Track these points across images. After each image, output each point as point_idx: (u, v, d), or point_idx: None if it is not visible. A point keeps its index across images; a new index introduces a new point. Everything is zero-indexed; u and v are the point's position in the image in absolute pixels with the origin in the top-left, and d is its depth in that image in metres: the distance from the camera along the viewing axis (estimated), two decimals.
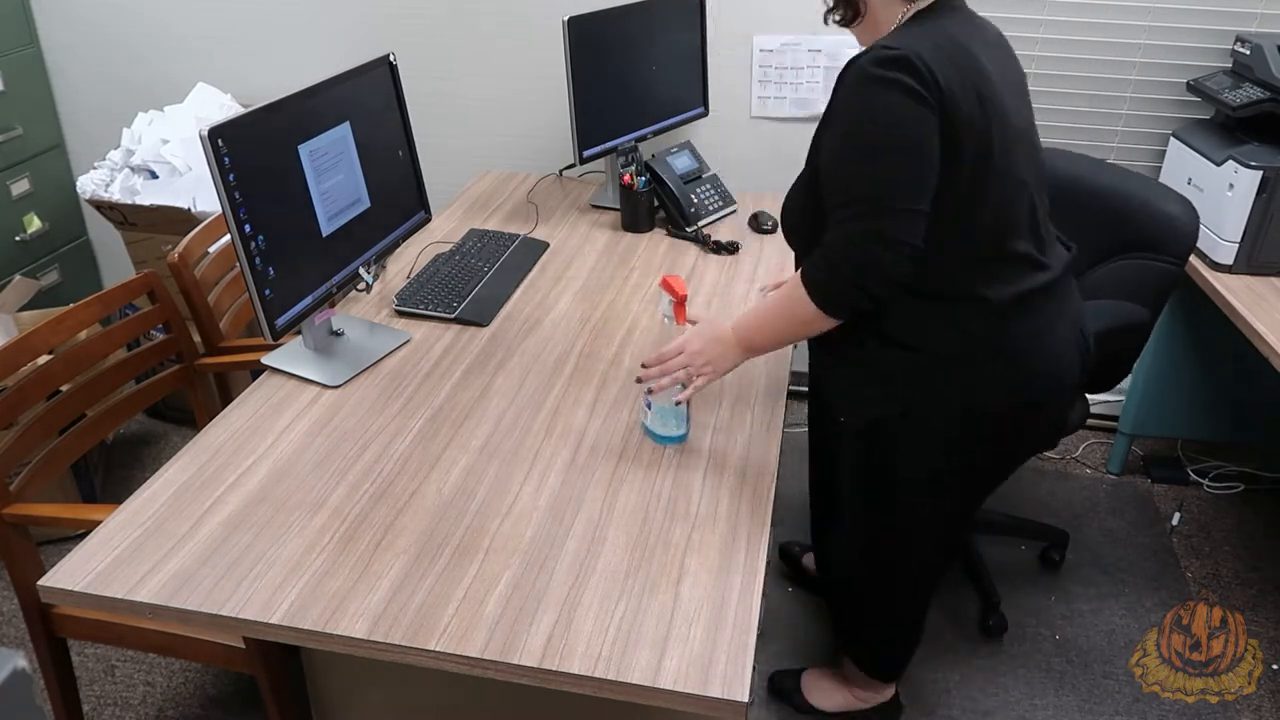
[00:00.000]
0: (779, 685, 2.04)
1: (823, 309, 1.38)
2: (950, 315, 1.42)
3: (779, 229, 1.93)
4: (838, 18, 1.47)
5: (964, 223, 1.36)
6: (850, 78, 1.33)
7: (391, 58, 1.87)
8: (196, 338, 2.06)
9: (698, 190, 2.35)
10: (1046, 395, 1.50)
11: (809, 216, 1.45)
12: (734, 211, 2.41)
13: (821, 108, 2.63)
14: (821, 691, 1.99)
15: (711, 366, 1.49)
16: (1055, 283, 1.47)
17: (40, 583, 1.24)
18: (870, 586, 1.77)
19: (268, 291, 1.56)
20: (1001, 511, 2.45)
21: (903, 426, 1.51)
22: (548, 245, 2.22)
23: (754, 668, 1.14)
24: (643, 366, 1.52)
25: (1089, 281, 2.06)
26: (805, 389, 3.03)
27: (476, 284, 1.98)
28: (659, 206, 2.31)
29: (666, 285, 1.44)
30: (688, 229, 2.25)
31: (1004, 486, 1.71)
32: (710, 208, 2.35)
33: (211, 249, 2.12)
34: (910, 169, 1.30)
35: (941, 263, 1.37)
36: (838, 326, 1.41)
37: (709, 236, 2.23)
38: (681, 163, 2.38)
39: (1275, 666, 2.16)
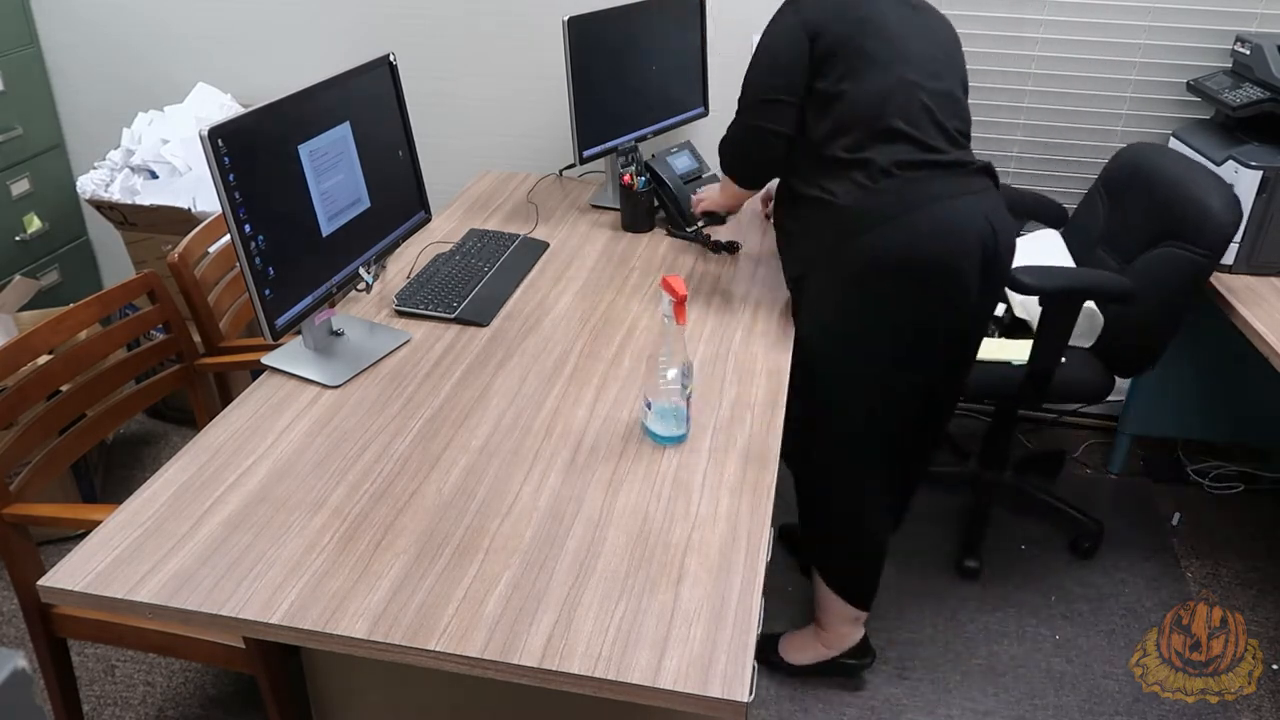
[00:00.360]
0: (759, 649, 2.09)
1: (737, 184, 1.98)
2: (844, 175, 1.72)
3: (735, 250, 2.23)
4: None
5: (841, 93, 1.72)
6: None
7: (391, 58, 1.87)
8: (196, 338, 2.06)
9: (698, 190, 2.35)
10: (934, 251, 1.69)
11: None
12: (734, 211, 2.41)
13: None
14: (796, 648, 2.11)
15: (705, 198, 2.22)
16: (948, 165, 1.72)
17: (40, 583, 1.24)
18: (821, 482, 1.95)
19: (268, 291, 1.56)
20: (1045, 493, 2.52)
21: (811, 281, 1.81)
22: (548, 245, 2.22)
23: (754, 667, 1.14)
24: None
25: (1138, 264, 2.21)
26: None
27: (476, 284, 1.98)
28: (659, 206, 2.31)
29: (666, 285, 1.44)
30: (687, 229, 2.26)
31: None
32: None
33: (211, 249, 2.12)
34: (771, 72, 1.79)
35: (834, 134, 1.73)
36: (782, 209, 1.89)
37: (709, 236, 2.23)
38: (681, 163, 2.37)
39: (1275, 666, 2.16)
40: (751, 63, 1.83)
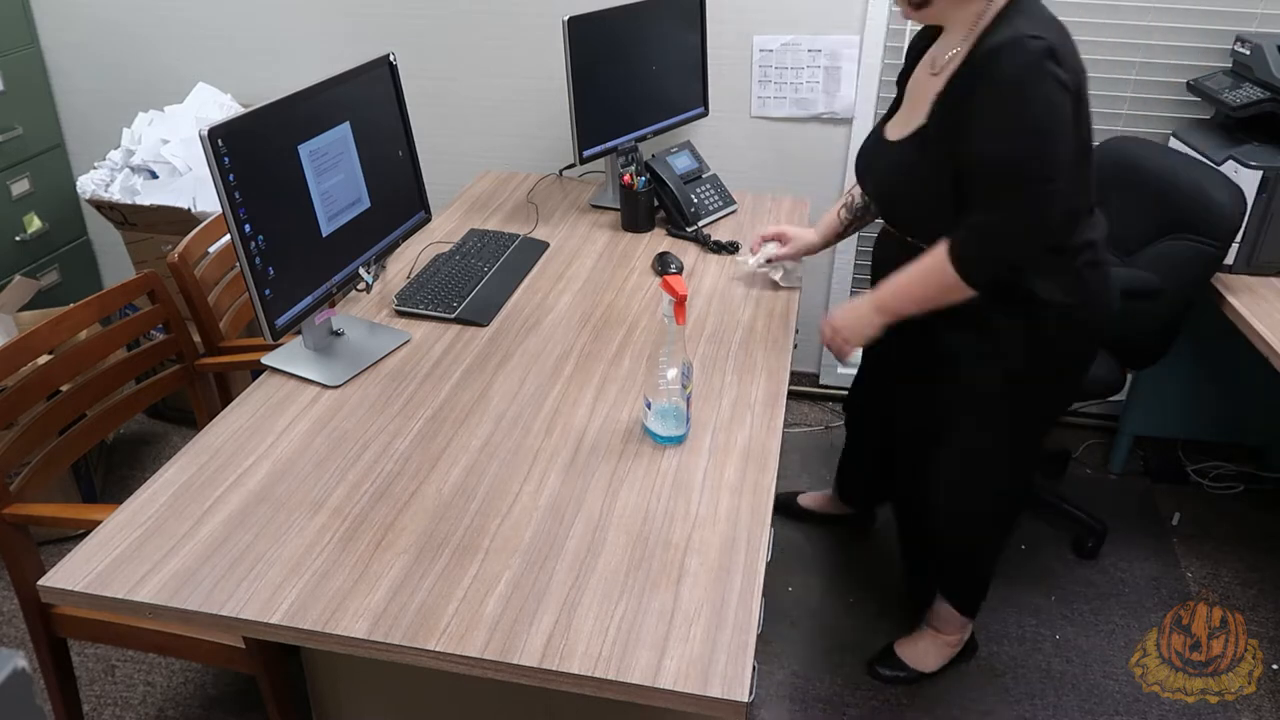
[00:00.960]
0: (883, 668, 2.11)
1: (965, 280, 1.57)
2: (1066, 265, 1.62)
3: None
4: (915, 7, 1.60)
5: (1083, 185, 1.58)
6: (1003, 69, 1.45)
7: (391, 58, 1.87)
8: (196, 338, 2.06)
9: (698, 190, 2.35)
10: (1101, 331, 1.73)
11: (933, 198, 1.61)
12: (734, 211, 2.41)
13: (821, 108, 2.65)
14: (921, 654, 2.11)
15: (849, 333, 1.74)
16: (1101, 243, 1.68)
17: (40, 583, 1.24)
18: (970, 533, 1.95)
19: (268, 291, 1.56)
20: (1049, 493, 2.54)
21: (1027, 377, 1.70)
22: (548, 245, 2.22)
23: (755, 667, 1.14)
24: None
25: (1142, 257, 2.22)
26: (805, 389, 3.03)
27: (476, 284, 1.98)
28: (659, 206, 2.31)
29: (667, 285, 1.44)
30: (688, 229, 2.25)
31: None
32: (710, 207, 2.35)
33: (211, 249, 2.12)
34: (1065, 149, 1.48)
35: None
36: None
37: (709, 236, 2.23)
38: (681, 163, 2.37)
39: (1275, 666, 2.16)
40: (1027, 136, 1.46)
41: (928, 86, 1.62)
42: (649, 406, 1.51)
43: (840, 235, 2.06)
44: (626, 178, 2.27)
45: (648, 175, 2.28)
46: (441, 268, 2.03)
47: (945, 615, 2.07)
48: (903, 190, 1.69)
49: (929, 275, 1.60)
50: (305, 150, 1.63)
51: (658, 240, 2.27)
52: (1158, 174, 2.25)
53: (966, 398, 1.77)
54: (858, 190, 1.98)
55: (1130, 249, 2.27)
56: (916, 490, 1.99)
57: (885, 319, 1.69)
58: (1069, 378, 1.79)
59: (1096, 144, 2.40)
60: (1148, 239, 2.22)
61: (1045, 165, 1.47)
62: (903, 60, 1.80)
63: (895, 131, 1.69)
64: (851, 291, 2.90)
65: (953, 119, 1.54)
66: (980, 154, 1.50)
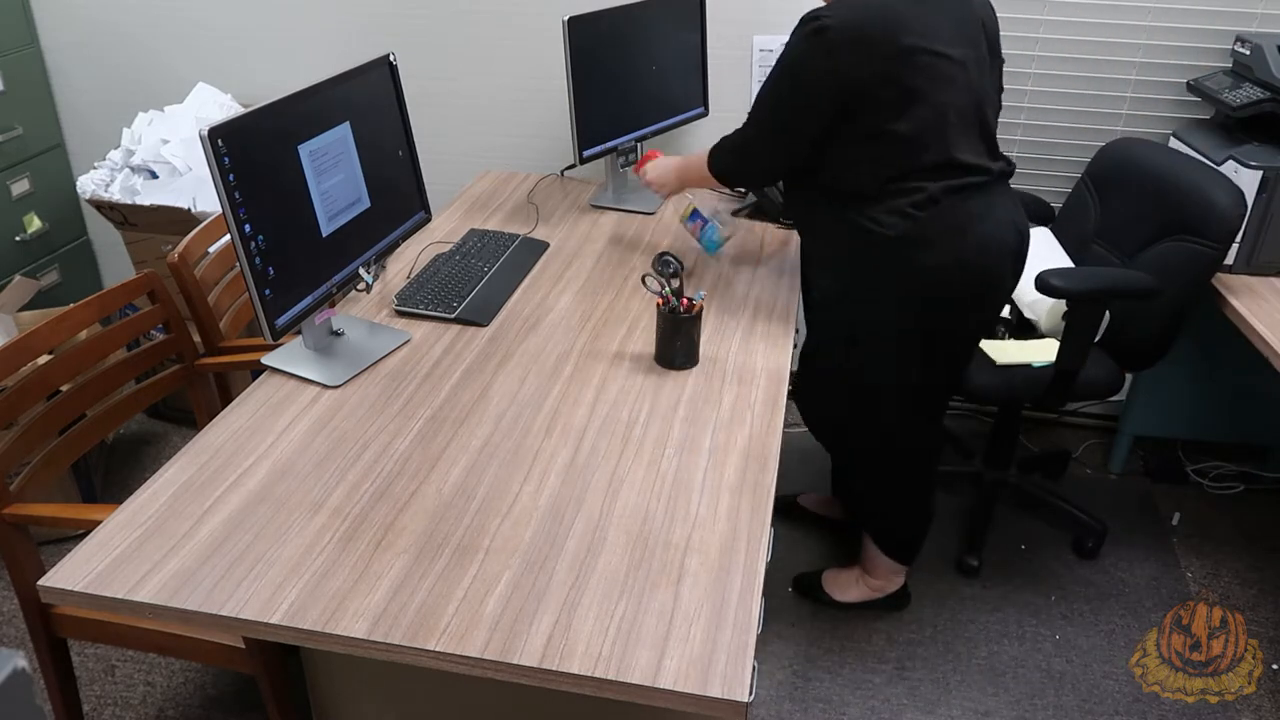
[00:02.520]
0: (803, 584, 2.31)
1: (724, 184, 2.00)
2: (891, 205, 1.75)
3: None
4: None
5: (886, 133, 1.71)
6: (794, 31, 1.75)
7: (391, 58, 1.87)
8: (196, 338, 2.06)
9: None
10: (979, 270, 1.80)
11: None
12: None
13: None
14: (841, 587, 2.27)
15: (655, 182, 2.19)
16: (987, 185, 1.80)
17: (40, 583, 1.24)
18: (875, 482, 2.09)
19: (268, 291, 1.56)
20: (1049, 493, 2.54)
21: (858, 301, 1.86)
22: (548, 245, 2.22)
23: (755, 667, 1.14)
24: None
25: (1142, 258, 2.23)
26: None
27: (476, 284, 1.98)
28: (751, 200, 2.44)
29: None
30: (784, 219, 2.38)
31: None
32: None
33: (211, 249, 2.12)
34: (793, 111, 1.75)
35: (880, 168, 1.74)
36: (819, 226, 1.90)
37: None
38: None
39: (1275, 666, 2.16)
40: (772, 82, 1.78)
41: None
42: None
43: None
44: (661, 300, 1.70)
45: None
46: (441, 268, 2.03)
47: (874, 559, 2.20)
48: None
49: (701, 162, 2.00)
50: (305, 150, 1.63)
51: (658, 240, 2.27)
52: (1158, 175, 2.25)
53: (841, 336, 1.93)
54: None
55: (1130, 250, 2.27)
56: (832, 435, 2.17)
57: (681, 184, 2.14)
58: (937, 318, 1.84)
59: (1103, 144, 2.42)
60: (1148, 240, 2.22)
61: (764, 103, 1.80)
62: None
63: None
64: None
65: None
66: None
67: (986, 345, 2.24)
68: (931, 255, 1.76)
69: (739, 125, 1.90)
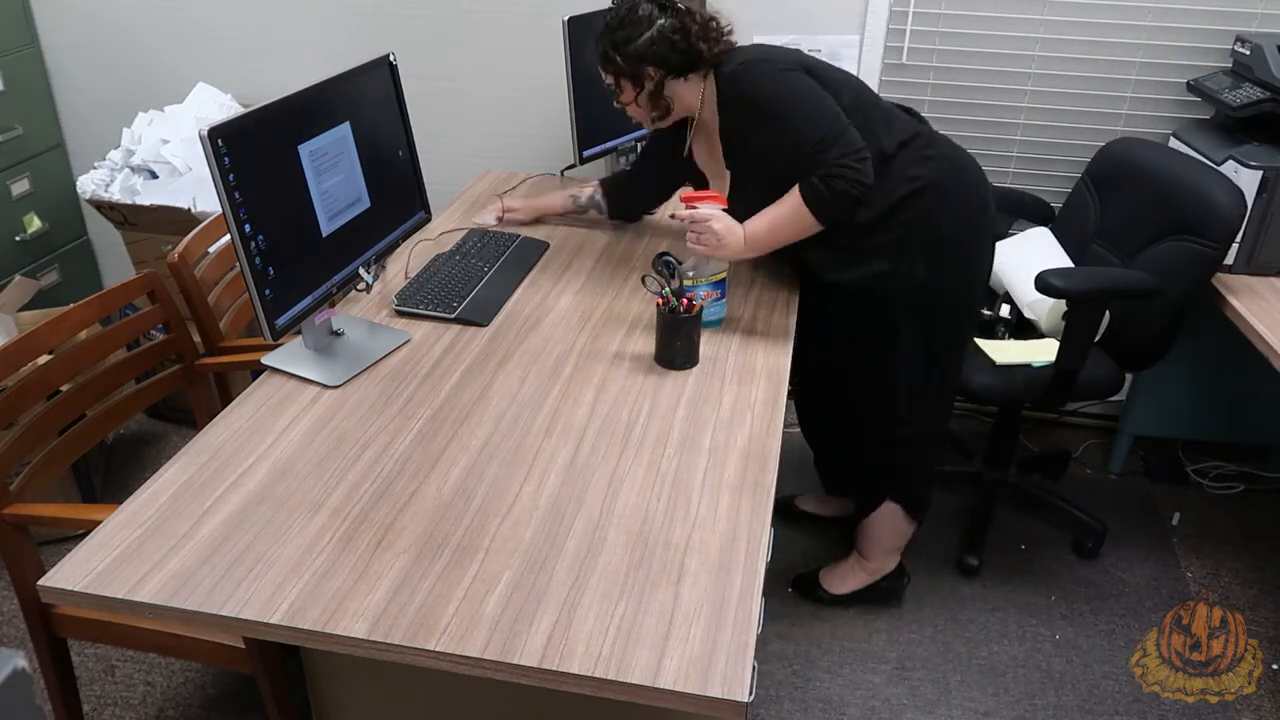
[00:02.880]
0: (802, 584, 2.33)
1: (821, 219, 1.78)
2: (909, 160, 1.81)
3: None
4: (654, 118, 1.93)
5: (853, 102, 1.81)
6: (740, 92, 1.81)
7: (391, 58, 1.87)
8: (196, 338, 2.06)
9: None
10: (982, 180, 1.89)
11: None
12: None
13: None
14: (838, 579, 2.29)
15: (716, 241, 1.81)
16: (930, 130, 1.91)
17: (40, 583, 1.24)
18: (907, 434, 2.04)
19: (268, 291, 1.56)
20: (1050, 493, 2.54)
21: (894, 274, 1.86)
22: (548, 245, 2.22)
23: (754, 667, 1.14)
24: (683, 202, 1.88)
25: (1142, 258, 2.23)
26: None
27: (476, 284, 1.98)
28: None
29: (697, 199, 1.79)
30: None
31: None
32: None
33: (211, 249, 2.12)
34: (827, 103, 1.76)
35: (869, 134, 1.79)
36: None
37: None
38: None
39: (1275, 666, 2.16)
40: (788, 122, 1.76)
41: (713, 154, 1.97)
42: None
43: (560, 216, 2.32)
44: (661, 300, 1.71)
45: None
46: (441, 268, 2.03)
47: (870, 538, 2.20)
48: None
49: (792, 216, 1.79)
50: (305, 150, 1.63)
51: (658, 240, 2.27)
52: (1158, 175, 2.25)
53: (849, 309, 1.94)
54: (599, 192, 2.27)
55: (1130, 250, 2.27)
56: (840, 408, 2.14)
57: (749, 251, 1.84)
58: (938, 277, 1.86)
59: (1103, 144, 2.43)
60: (1148, 240, 2.22)
61: (820, 125, 1.74)
62: (665, 174, 2.17)
63: (733, 207, 1.86)
64: None
65: (742, 153, 1.89)
66: (777, 144, 1.79)
67: (987, 345, 2.25)
68: (963, 180, 1.85)
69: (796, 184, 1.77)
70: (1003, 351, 2.22)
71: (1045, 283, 2.03)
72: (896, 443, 2.06)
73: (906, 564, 2.26)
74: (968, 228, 1.88)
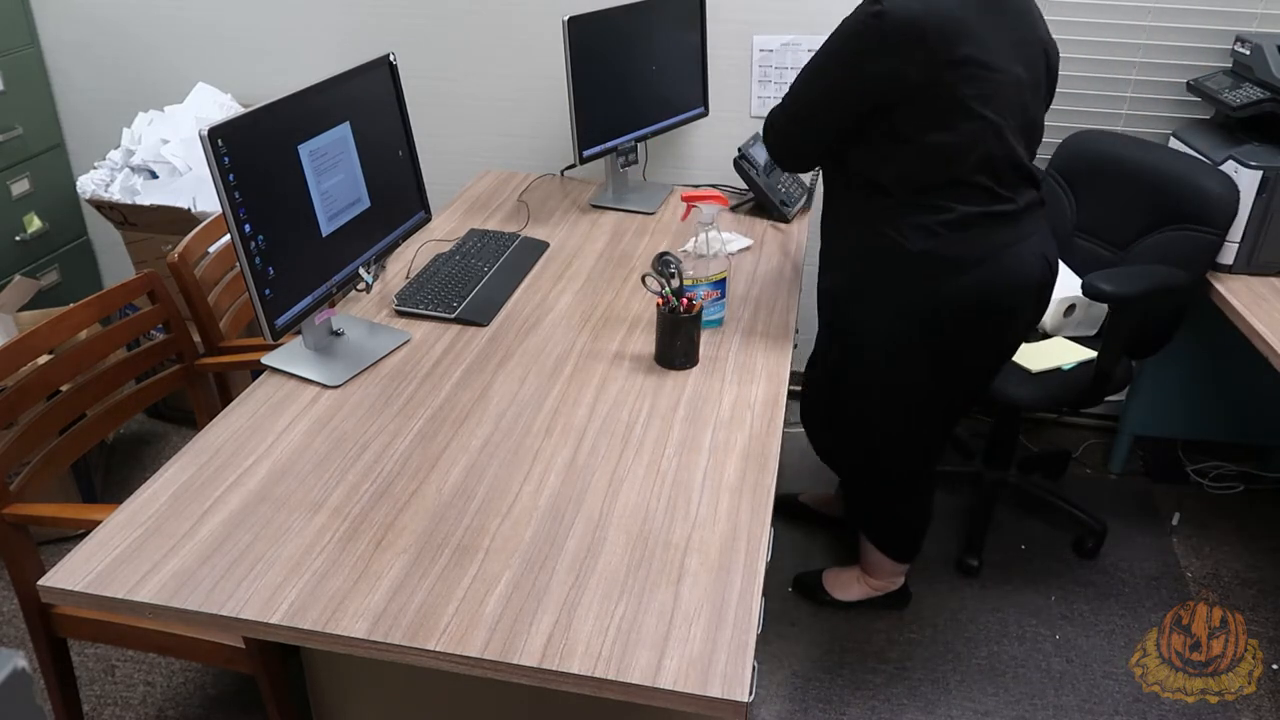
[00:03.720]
0: (804, 584, 2.32)
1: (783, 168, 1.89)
2: (917, 220, 1.71)
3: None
4: None
5: (924, 141, 1.64)
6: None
7: (391, 58, 1.87)
8: (196, 338, 2.06)
9: (778, 181, 2.40)
10: (1001, 302, 1.76)
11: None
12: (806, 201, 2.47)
13: None
14: (841, 586, 2.27)
15: None
16: (1017, 214, 1.73)
17: (40, 583, 1.24)
18: (874, 484, 2.06)
19: (268, 291, 1.56)
20: (1050, 493, 2.54)
21: (862, 309, 1.84)
22: (548, 245, 2.22)
23: (755, 667, 1.14)
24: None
25: (1138, 249, 2.26)
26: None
27: (476, 284, 1.98)
28: (751, 197, 2.43)
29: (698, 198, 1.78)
30: (788, 216, 2.37)
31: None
32: (794, 196, 2.41)
33: (211, 249, 2.12)
34: (827, 101, 1.69)
35: (911, 177, 1.68)
36: (844, 219, 1.84)
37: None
38: (760, 153, 2.39)
39: (1275, 666, 2.16)
40: (814, 67, 1.70)
41: None
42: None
43: None
44: (661, 299, 1.71)
45: (742, 160, 2.20)
46: (441, 268, 2.03)
47: (874, 559, 2.20)
48: None
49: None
50: (305, 150, 1.63)
51: (658, 240, 2.27)
52: (1141, 167, 2.27)
53: (843, 335, 1.91)
54: None
55: (1121, 242, 2.28)
56: (831, 441, 2.16)
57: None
58: (946, 341, 1.80)
59: (1063, 139, 2.42)
60: (1139, 231, 2.25)
61: (805, 85, 1.72)
62: None
63: None
64: None
65: None
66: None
67: (1016, 356, 2.22)
68: (952, 279, 1.72)
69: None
70: (1034, 359, 2.21)
71: (1094, 288, 2.02)
72: (868, 479, 2.07)
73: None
74: (954, 325, 1.78)
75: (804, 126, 1.75)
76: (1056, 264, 1.83)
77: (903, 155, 1.67)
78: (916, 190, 1.69)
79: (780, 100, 1.80)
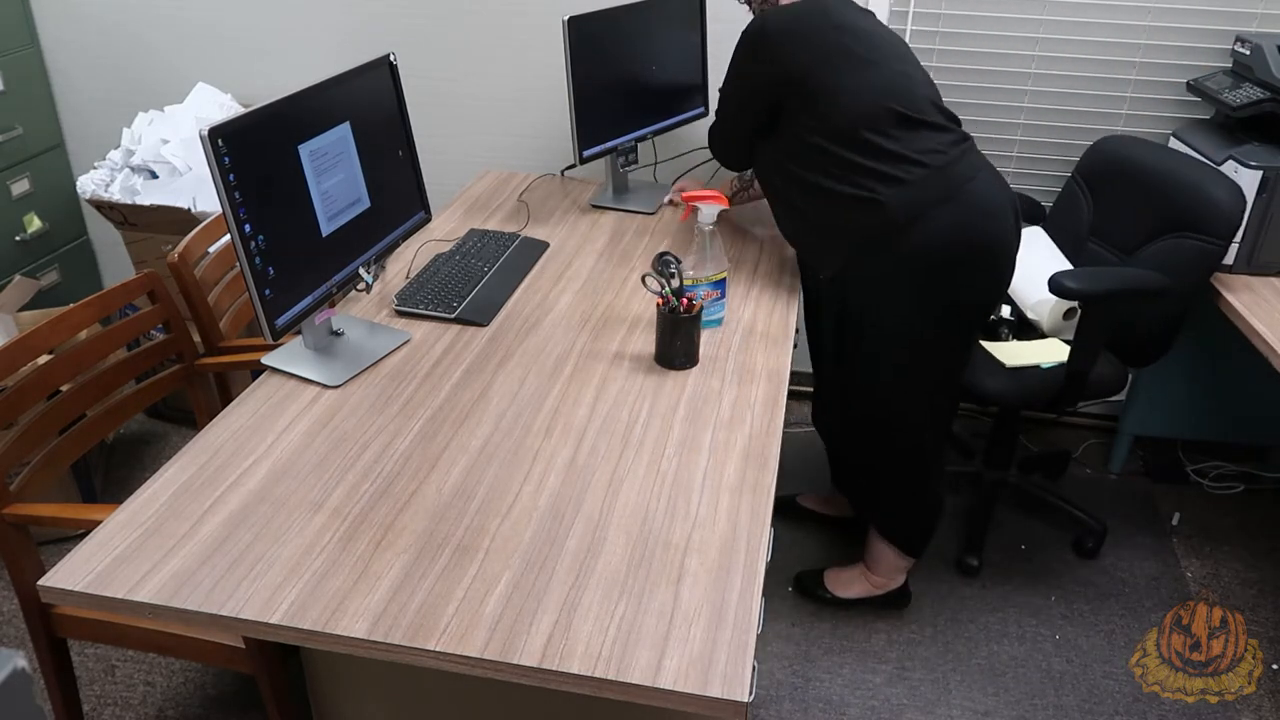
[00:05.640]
0: (804, 584, 2.32)
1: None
2: (877, 171, 1.77)
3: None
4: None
5: (849, 98, 1.79)
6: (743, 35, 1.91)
7: (391, 58, 1.87)
8: (196, 338, 2.06)
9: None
10: (986, 230, 1.81)
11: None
12: None
13: None
14: (843, 583, 2.28)
15: None
16: (962, 145, 1.83)
17: (40, 583, 1.24)
18: (874, 453, 2.07)
19: (268, 291, 1.56)
20: (1050, 493, 2.54)
21: (856, 274, 1.86)
22: (548, 245, 2.22)
23: (754, 667, 1.14)
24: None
25: (1142, 255, 2.24)
26: (805, 389, 3.04)
27: (476, 284, 1.98)
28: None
29: (698, 198, 1.78)
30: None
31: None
32: None
33: (211, 249, 2.12)
34: (740, 110, 1.94)
35: (848, 130, 1.78)
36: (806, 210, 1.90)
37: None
38: None
39: (1275, 666, 2.16)
40: (728, 81, 1.98)
41: None
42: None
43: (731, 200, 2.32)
44: (661, 299, 1.70)
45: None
46: (441, 268, 2.03)
47: (877, 557, 2.21)
48: None
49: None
50: (305, 150, 1.63)
51: (659, 239, 2.27)
52: (1153, 172, 2.26)
53: (859, 330, 1.92)
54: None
55: (1128, 247, 2.27)
56: (842, 428, 2.17)
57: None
58: (947, 286, 1.84)
59: (1092, 142, 2.43)
60: (1146, 237, 2.23)
61: (724, 97, 1.98)
62: None
63: None
64: None
65: None
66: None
67: (994, 348, 2.24)
68: (933, 219, 1.76)
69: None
70: (1012, 354, 2.22)
71: (1060, 285, 2.03)
72: (883, 467, 2.08)
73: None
74: (950, 266, 1.81)
75: (732, 123, 1.99)
76: (1017, 201, 1.91)
77: (832, 113, 1.79)
78: (864, 144, 1.77)
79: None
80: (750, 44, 1.88)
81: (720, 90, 2.00)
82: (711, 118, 2.67)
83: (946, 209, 1.77)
